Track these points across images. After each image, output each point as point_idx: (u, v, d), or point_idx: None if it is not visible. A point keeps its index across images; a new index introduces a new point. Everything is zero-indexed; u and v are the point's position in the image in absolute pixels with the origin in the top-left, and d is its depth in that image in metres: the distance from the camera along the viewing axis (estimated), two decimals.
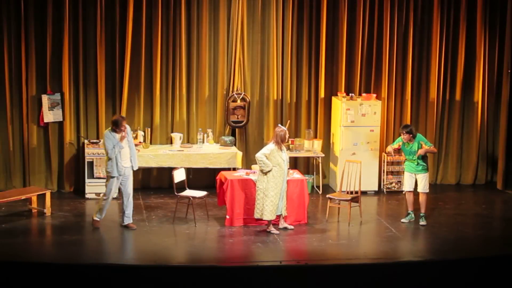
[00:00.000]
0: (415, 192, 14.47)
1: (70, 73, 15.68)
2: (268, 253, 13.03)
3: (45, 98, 15.61)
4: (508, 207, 15.92)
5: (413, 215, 14.48)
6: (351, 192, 14.62)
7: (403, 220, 14.47)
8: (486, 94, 16.94)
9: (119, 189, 15.70)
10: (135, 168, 13.96)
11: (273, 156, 13.52)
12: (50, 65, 15.60)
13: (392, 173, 16.40)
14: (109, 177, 13.75)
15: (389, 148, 14.67)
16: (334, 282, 9.69)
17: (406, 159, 14.48)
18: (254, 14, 16.21)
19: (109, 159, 13.65)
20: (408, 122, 16.66)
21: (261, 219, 13.76)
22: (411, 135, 14.28)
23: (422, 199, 14.41)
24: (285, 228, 13.90)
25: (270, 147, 13.59)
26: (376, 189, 16.31)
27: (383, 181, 16.39)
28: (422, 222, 14.33)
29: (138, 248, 13.18)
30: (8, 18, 15.41)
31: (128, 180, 13.83)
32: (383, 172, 16.37)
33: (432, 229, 14.17)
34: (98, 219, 13.88)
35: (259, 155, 13.56)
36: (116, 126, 13.63)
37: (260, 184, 13.64)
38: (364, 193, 15.66)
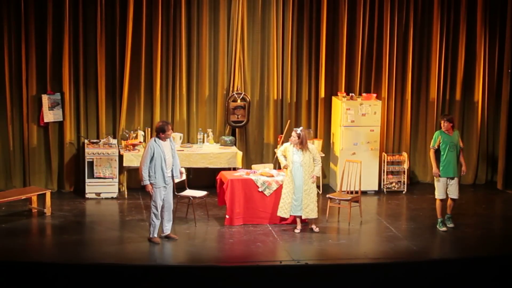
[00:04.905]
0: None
1: (70, 73, 15.68)
2: (268, 253, 13.04)
3: (45, 98, 15.61)
4: (508, 207, 15.91)
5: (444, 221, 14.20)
6: (351, 192, 14.62)
7: (442, 229, 13.97)
8: (486, 94, 16.93)
9: (119, 190, 15.71)
10: (176, 177, 13.37)
11: (287, 155, 13.87)
12: (50, 65, 15.59)
13: (392, 173, 16.39)
14: (153, 188, 12.99)
15: (436, 169, 13.91)
16: (334, 282, 9.68)
17: (444, 161, 13.88)
18: (254, 14, 16.21)
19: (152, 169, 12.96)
20: (408, 122, 16.70)
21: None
22: (451, 124, 13.95)
23: (452, 203, 14.03)
24: (311, 230, 13.98)
25: (285, 144, 14.00)
26: (376, 189, 16.31)
27: (383, 181, 16.38)
28: (451, 224, 14.11)
29: (138, 247, 13.16)
30: (8, 18, 15.40)
31: (170, 191, 13.25)
32: (383, 172, 16.36)
33: (432, 229, 14.16)
34: (155, 236, 13.21)
35: (277, 150, 14.18)
36: (162, 132, 13.02)
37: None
38: (364, 193, 15.66)
